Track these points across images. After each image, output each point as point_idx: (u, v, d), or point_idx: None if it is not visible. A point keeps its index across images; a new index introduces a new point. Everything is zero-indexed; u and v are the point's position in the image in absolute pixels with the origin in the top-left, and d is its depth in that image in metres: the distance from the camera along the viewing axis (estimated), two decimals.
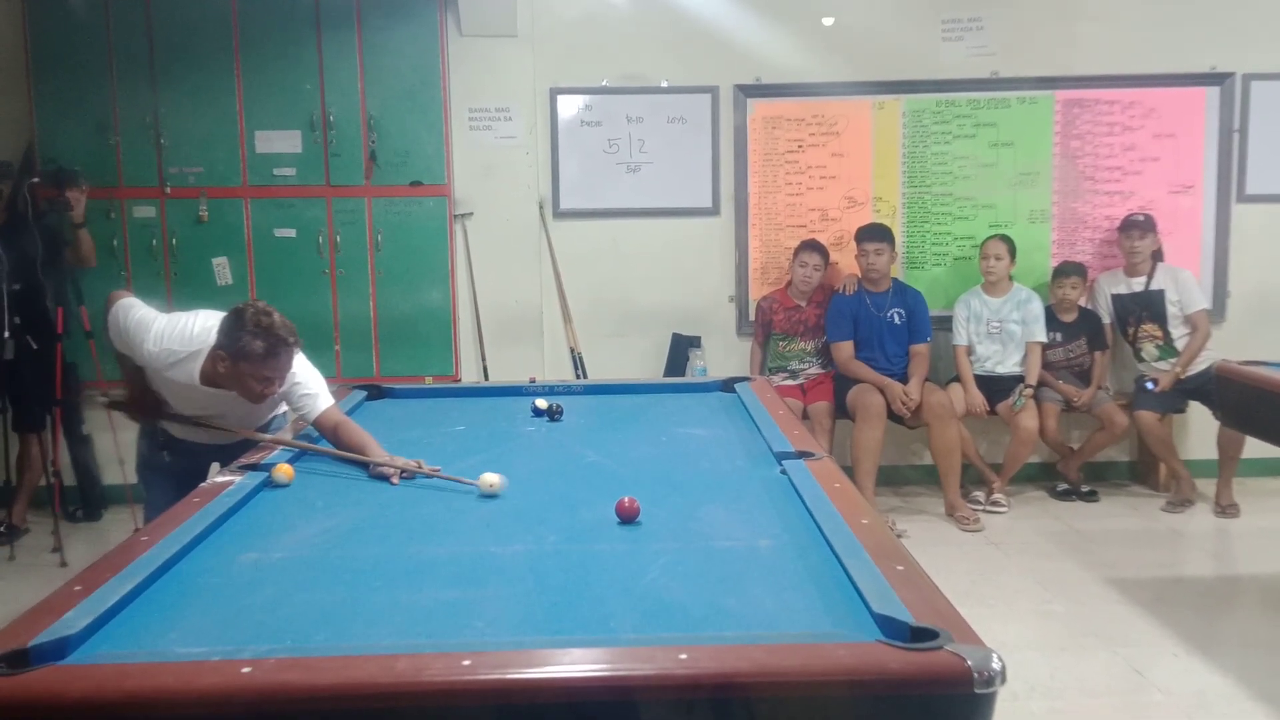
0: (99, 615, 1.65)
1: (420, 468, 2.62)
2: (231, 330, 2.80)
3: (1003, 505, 5.25)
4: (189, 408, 3.11)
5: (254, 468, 2.55)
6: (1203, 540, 4.93)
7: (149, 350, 2.98)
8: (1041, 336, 5.34)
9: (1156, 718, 3.17)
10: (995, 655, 1.41)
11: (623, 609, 1.72)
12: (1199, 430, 5.52)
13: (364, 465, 2.72)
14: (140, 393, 3.20)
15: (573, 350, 5.62)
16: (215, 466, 3.08)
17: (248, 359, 2.78)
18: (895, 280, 5.41)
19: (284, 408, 3.20)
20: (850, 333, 5.29)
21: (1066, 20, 5.52)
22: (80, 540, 4.92)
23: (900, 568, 1.76)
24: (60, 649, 1.52)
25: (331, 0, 5.20)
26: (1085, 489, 5.45)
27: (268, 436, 3.03)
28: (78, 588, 1.75)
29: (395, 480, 2.60)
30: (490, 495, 2.41)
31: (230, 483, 2.41)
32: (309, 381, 3.01)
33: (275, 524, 2.24)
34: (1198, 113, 5.58)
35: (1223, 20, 5.51)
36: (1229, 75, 5.54)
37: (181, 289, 5.13)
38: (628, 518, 2.18)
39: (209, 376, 2.93)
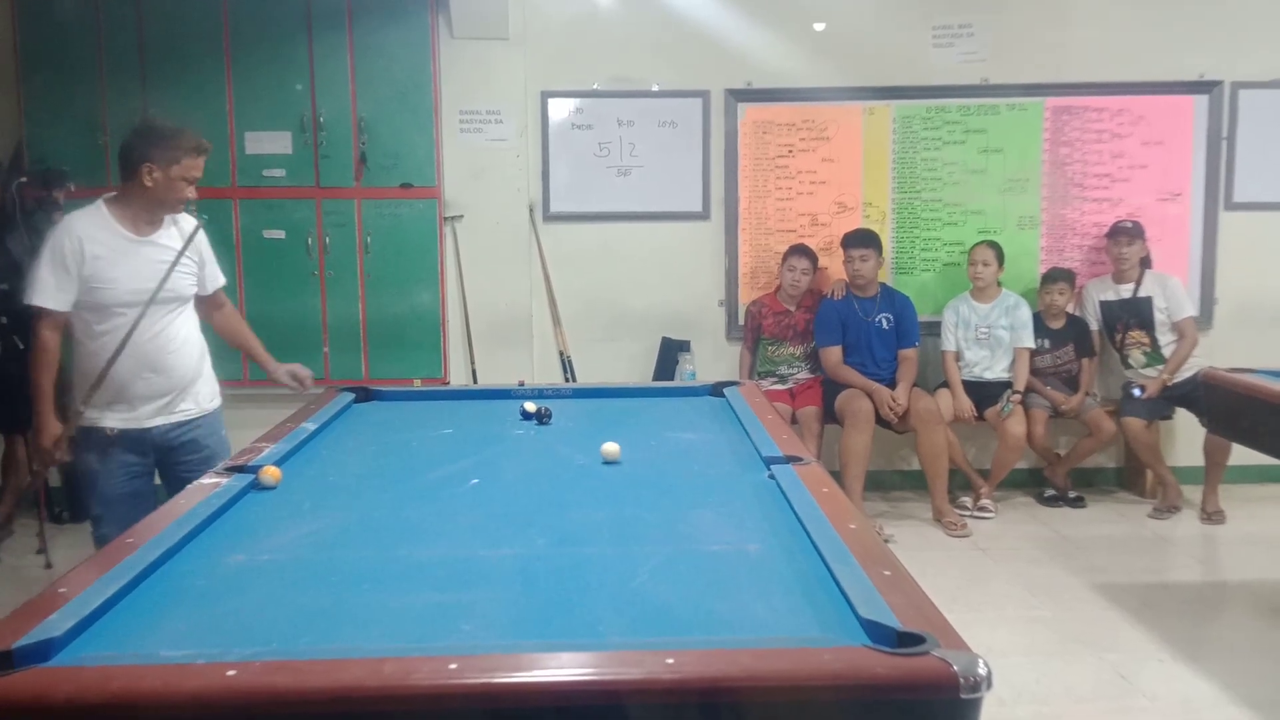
0: (84, 617, 1.63)
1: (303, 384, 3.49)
2: (153, 141, 3.13)
3: (990, 511, 5.27)
4: (117, 293, 3.12)
5: (241, 470, 2.54)
6: (1189, 546, 4.95)
7: (57, 246, 3.10)
8: (1029, 342, 5.36)
9: None
10: (982, 661, 1.41)
11: (611, 613, 1.72)
12: (1186, 437, 5.55)
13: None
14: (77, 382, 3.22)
15: (562, 353, 5.62)
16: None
17: (180, 154, 3.14)
18: (884, 285, 5.42)
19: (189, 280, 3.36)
20: (839, 338, 5.30)
21: (1056, 27, 5.54)
22: (65, 542, 4.89)
23: (887, 573, 1.76)
24: (45, 651, 1.51)
25: (323, 1, 5.20)
26: (1072, 495, 5.47)
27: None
28: (63, 589, 1.74)
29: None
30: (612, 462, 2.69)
31: (217, 484, 2.40)
32: (212, 255, 3.50)
33: (262, 526, 2.23)
34: (1186, 120, 5.61)
35: (1211, 29, 5.54)
36: (1217, 83, 5.57)
37: None
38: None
39: (126, 214, 3.17)
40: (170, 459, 3.32)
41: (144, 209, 3.19)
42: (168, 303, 3.24)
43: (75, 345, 3.21)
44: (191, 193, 3.20)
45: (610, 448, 2.70)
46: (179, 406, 3.30)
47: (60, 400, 3.24)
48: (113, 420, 3.21)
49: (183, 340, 3.31)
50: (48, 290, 3.10)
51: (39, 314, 3.13)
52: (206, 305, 3.52)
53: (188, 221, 3.38)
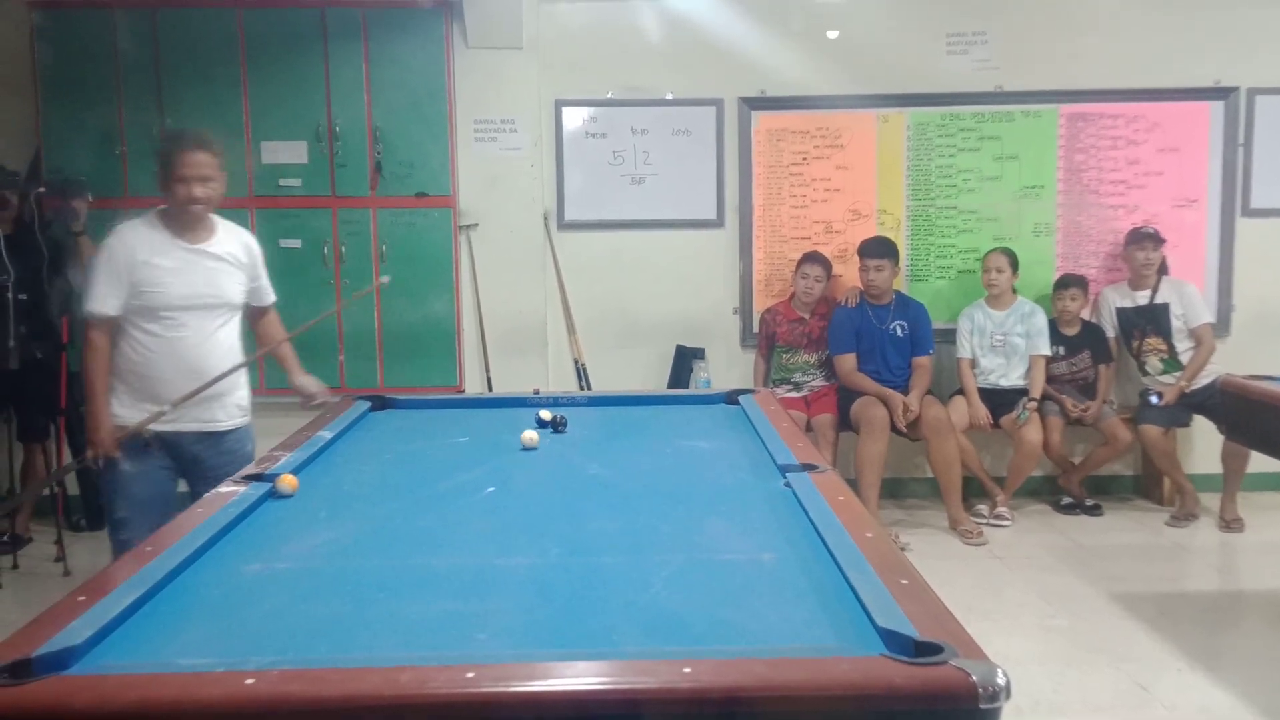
0: (103, 625, 1.64)
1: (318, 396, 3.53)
2: (160, 147, 3.32)
3: (1006, 519, 5.25)
4: (168, 297, 3.21)
5: (258, 478, 2.55)
6: (1207, 555, 4.92)
7: (109, 252, 3.23)
8: (1045, 349, 5.34)
9: None
10: (1001, 670, 1.41)
11: (626, 622, 1.71)
12: (1203, 444, 5.51)
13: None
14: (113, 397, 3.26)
15: (576, 361, 5.62)
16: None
17: (168, 165, 3.18)
18: (898, 293, 5.41)
19: (237, 287, 3.42)
20: (852, 345, 5.29)
21: (1071, 34, 5.53)
22: (84, 550, 4.92)
23: (904, 581, 1.75)
24: (64, 659, 1.52)
25: (338, 12, 5.22)
26: (1089, 503, 5.45)
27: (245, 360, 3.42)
28: (81, 598, 1.75)
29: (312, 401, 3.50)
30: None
31: (234, 493, 2.41)
32: (265, 271, 3.58)
33: (279, 535, 2.23)
34: (1202, 127, 5.59)
35: (1227, 35, 5.52)
36: (1233, 89, 5.55)
37: None
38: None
39: (173, 223, 3.27)
40: (198, 468, 3.34)
41: (178, 216, 3.26)
42: (215, 309, 3.32)
43: (114, 350, 3.25)
44: (201, 191, 3.21)
45: (529, 435, 2.98)
46: (215, 415, 3.34)
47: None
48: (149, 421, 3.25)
49: (227, 349, 3.36)
50: (97, 294, 3.20)
51: (88, 317, 3.24)
52: (254, 315, 3.62)
53: (249, 236, 3.54)
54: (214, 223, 3.39)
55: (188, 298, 3.24)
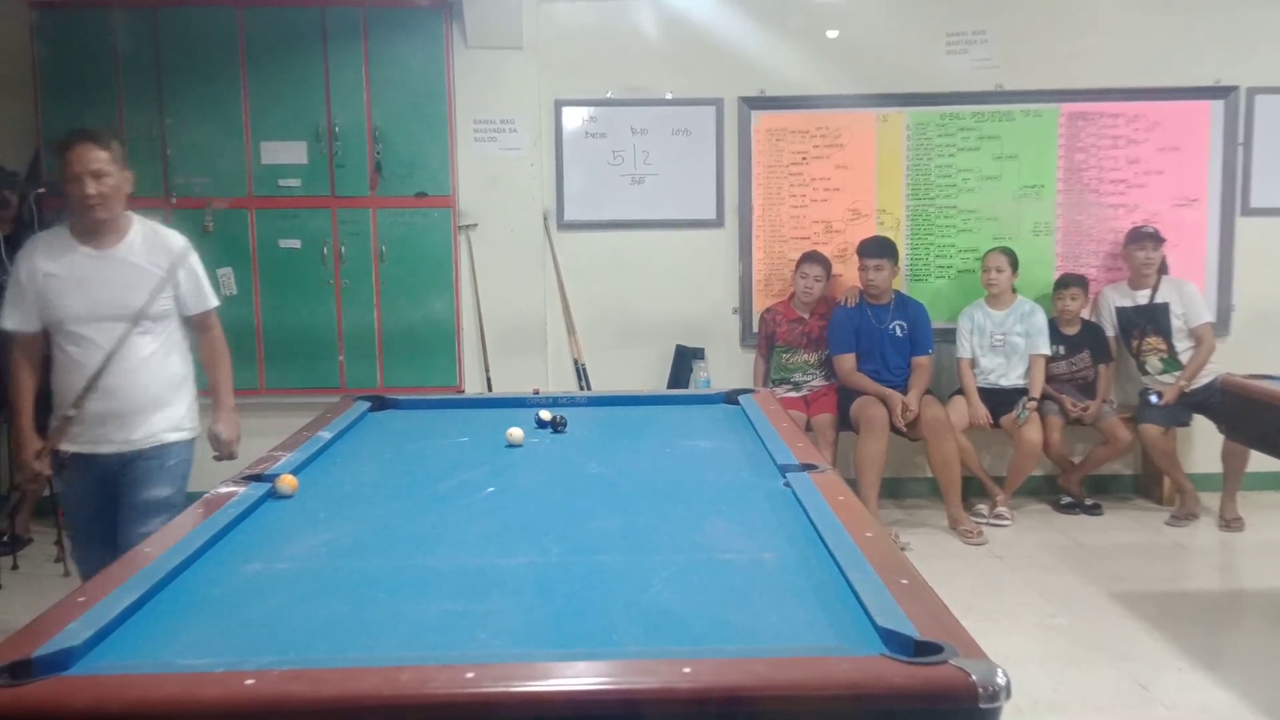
0: (102, 626, 1.64)
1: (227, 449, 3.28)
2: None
3: (1006, 518, 5.24)
4: (70, 309, 3.05)
5: (258, 478, 2.55)
6: (1207, 554, 4.92)
7: (16, 268, 3.10)
8: (1045, 349, 5.34)
9: None
10: (1001, 670, 1.41)
11: (626, 621, 1.71)
12: (1203, 444, 5.51)
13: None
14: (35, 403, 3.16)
15: (576, 361, 5.62)
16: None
17: (62, 164, 3.00)
18: (897, 293, 5.41)
19: (154, 292, 3.13)
20: (852, 345, 5.29)
21: (1071, 34, 5.53)
22: None
23: (904, 581, 1.75)
24: (64, 660, 1.52)
25: (338, 12, 5.22)
26: (1089, 502, 5.45)
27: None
28: (81, 598, 1.75)
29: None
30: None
31: (234, 494, 2.41)
32: (201, 275, 3.26)
33: (279, 535, 2.23)
34: (1202, 126, 5.59)
35: (1227, 34, 5.52)
36: (1233, 89, 5.55)
37: None
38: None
39: (79, 228, 3.08)
40: (121, 492, 3.12)
41: (82, 221, 3.07)
42: (124, 320, 3.07)
43: (52, 363, 3.15)
44: (94, 188, 2.98)
45: (514, 432, 3.01)
46: (130, 435, 3.11)
47: (43, 418, 3.17)
48: (65, 441, 3.09)
49: (139, 361, 3.10)
50: (5, 311, 3.11)
51: (7, 337, 3.12)
52: (195, 327, 3.32)
53: (174, 239, 3.23)
54: (126, 225, 3.14)
55: (92, 309, 3.04)
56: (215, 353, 3.36)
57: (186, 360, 3.29)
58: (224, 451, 3.33)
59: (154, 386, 3.14)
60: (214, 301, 3.32)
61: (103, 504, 3.14)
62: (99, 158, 3.00)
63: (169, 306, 3.17)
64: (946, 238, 5.67)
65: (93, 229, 3.07)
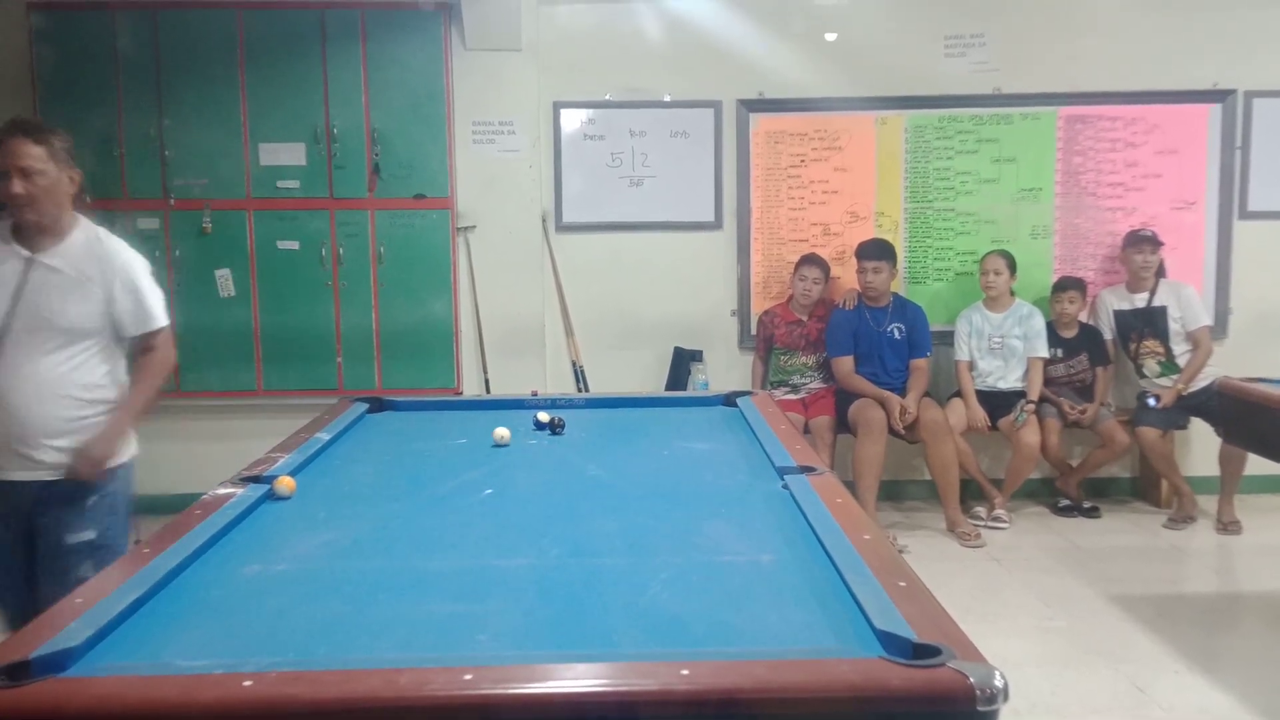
0: (101, 627, 1.64)
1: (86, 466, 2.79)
2: None
3: (1004, 521, 5.25)
4: None
5: (256, 480, 2.55)
6: (1205, 557, 4.92)
7: None
8: (1043, 352, 5.34)
9: None
10: (998, 672, 1.41)
11: (625, 623, 1.72)
12: (1201, 447, 5.52)
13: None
14: None
15: (574, 363, 5.63)
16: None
17: None
18: (896, 295, 5.42)
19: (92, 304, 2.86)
20: (850, 347, 5.29)
21: (1069, 37, 5.53)
22: None
23: (902, 583, 1.75)
24: (62, 661, 1.52)
25: (337, 13, 5.23)
26: (1087, 505, 5.45)
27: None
28: (79, 599, 1.75)
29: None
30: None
31: (232, 495, 2.41)
32: (145, 293, 2.91)
33: (277, 537, 2.23)
34: (1200, 129, 5.60)
35: (1225, 37, 5.53)
36: (1231, 92, 5.56)
37: (184, 301, 5.11)
38: None
39: (13, 228, 2.83)
40: (37, 533, 2.83)
41: (17, 221, 2.83)
42: (36, 332, 2.78)
43: None
44: (21, 186, 2.73)
45: (501, 432, 3.04)
46: (42, 460, 2.81)
47: None
48: None
49: (43, 380, 2.79)
50: None
51: None
52: (137, 350, 2.98)
53: (119, 251, 2.93)
54: (68, 228, 2.87)
55: (1, 314, 2.77)
56: (147, 369, 2.98)
57: (117, 384, 2.94)
58: (77, 470, 2.83)
59: (65, 409, 2.81)
60: (160, 323, 2.97)
61: (24, 535, 2.84)
62: (30, 153, 2.75)
63: (94, 324, 2.85)
64: (945, 240, 5.68)
65: (33, 229, 2.81)
